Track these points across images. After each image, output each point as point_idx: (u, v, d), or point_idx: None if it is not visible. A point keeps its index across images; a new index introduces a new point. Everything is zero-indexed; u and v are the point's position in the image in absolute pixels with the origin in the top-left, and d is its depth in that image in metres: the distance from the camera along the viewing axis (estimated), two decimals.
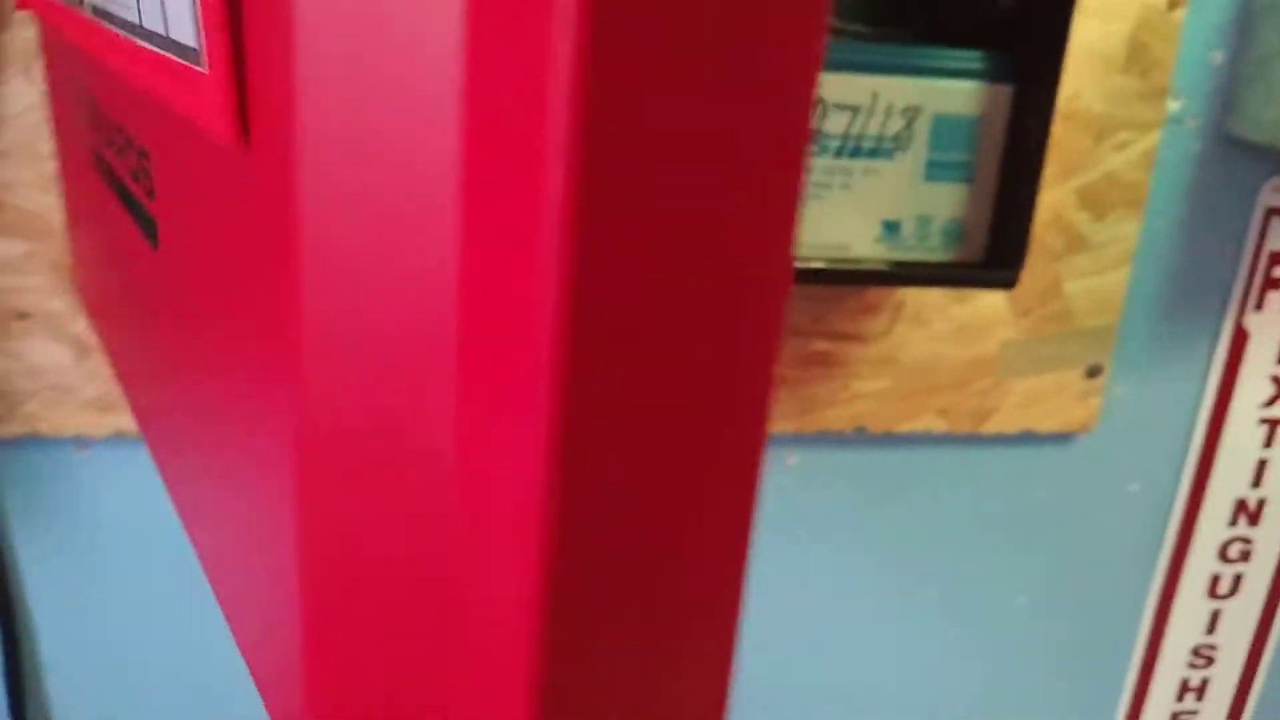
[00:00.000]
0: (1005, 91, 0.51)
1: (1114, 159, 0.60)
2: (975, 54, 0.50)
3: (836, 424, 0.64)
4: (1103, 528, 0.70)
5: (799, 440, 0.65)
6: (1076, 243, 0.62)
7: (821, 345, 0.62)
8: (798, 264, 0.51)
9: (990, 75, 0.51)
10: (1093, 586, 0.72)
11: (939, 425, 0.65)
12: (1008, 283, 0.52)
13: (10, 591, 0.62)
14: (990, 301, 0.62)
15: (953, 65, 0.50)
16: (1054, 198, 0.60)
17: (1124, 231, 0.62)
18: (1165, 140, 0.61)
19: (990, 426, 0.65)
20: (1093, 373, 0.65)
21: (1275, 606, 0.75)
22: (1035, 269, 0.61)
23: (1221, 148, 0.62)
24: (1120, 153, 0.60)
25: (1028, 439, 0.67)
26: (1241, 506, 0.71)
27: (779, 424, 0.63)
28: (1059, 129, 0.59)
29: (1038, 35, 0.51)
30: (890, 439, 0.66)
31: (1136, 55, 0.59)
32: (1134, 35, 0.58)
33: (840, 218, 0.52)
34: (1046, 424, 0.66)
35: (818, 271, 0.51)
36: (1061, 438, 0.67)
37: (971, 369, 0.64)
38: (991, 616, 0.71)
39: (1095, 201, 0.61)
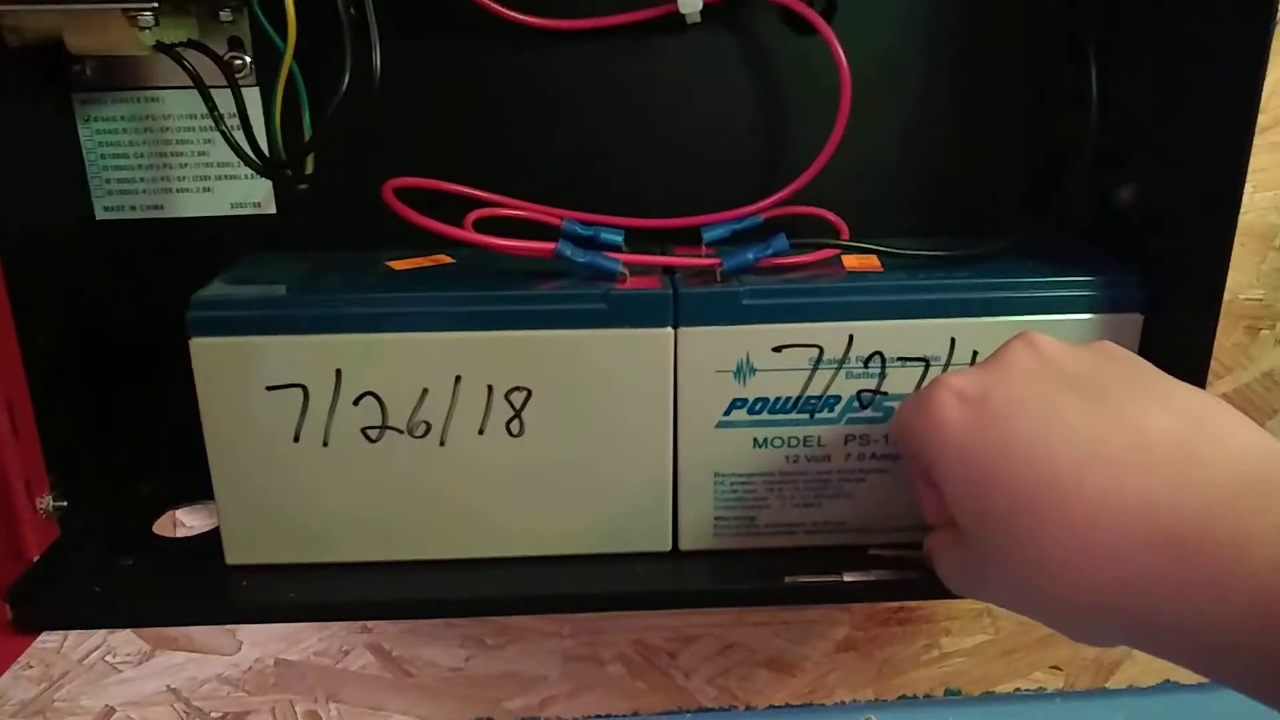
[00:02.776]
0: (1131, 322, 0.38)
1: (1275, 355, 0.46)
2: (1089, 278, 0.38)
3: (923, 687, 0.51)
4: None
5: (877, 706, 0.52)
6: None
7: (904, 600, 0.49)
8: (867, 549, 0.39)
9: (1110, 303, 0.38)
10: None
11: (1053, 683, 0.52)
12: None
13: None
14: None
15: (1058, 295, 0.37)
16: None
17: None
18: None
19: (1120, 680, 0.52)
20: None
21: None
22: None
23: None
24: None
25: (1169, 689, 0.53)
26: None
27: (855, 690, 0.51)
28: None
29: (1179, 240, 0.38)
30: (990, 700, 0.52)
31: None
32: None
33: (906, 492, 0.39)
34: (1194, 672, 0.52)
35: (881, 557, 0.39)
36: (1210, 687, 0.53)
37: None
38: None
39: (1254, 407, 0.47)
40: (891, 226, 0.43)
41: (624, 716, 0.51)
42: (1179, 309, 0.38)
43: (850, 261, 0.40)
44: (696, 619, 0.49)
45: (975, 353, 0.37)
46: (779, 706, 0.51)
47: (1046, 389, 0.29)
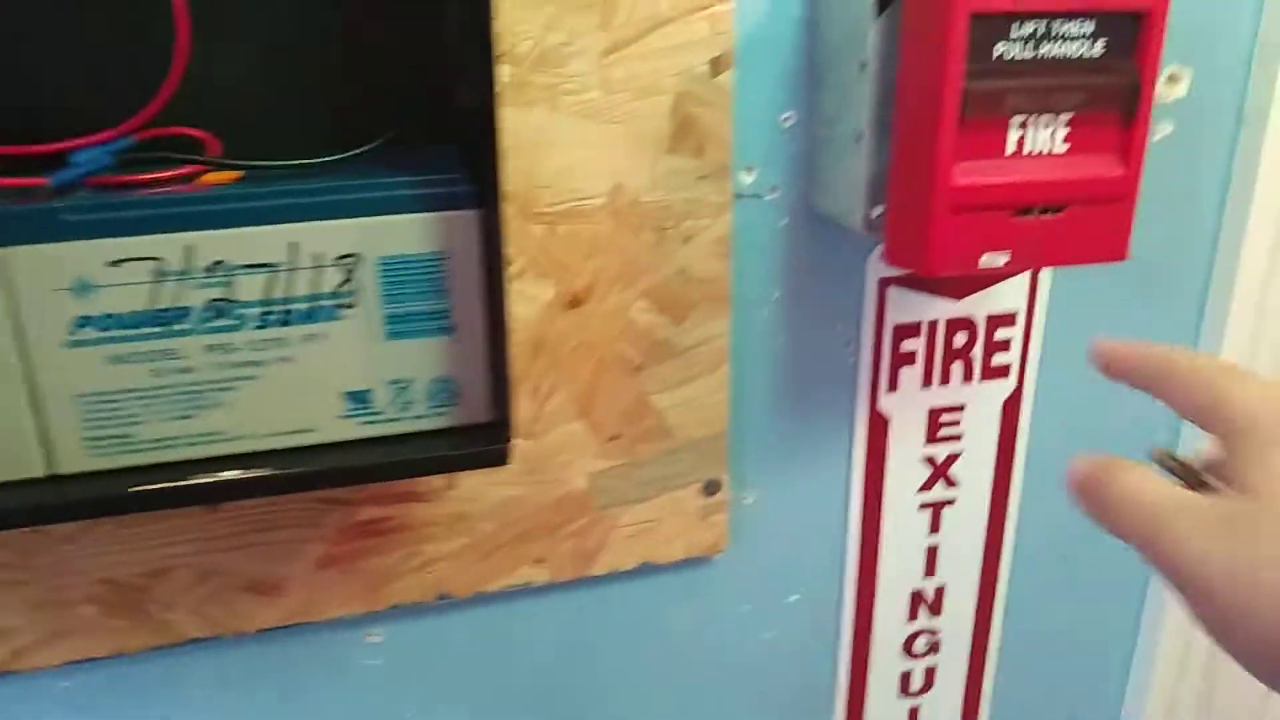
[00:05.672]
0: (465, 220, 0.41)
1: (683, 252, 0.51)
2: (421, 177, 0.40)
3: (415, 595, 0.54)
4: (765, 647, 0.62)
5: (376, 619, 0.55)
6: (658, 351, 0.52)
7: (373, 511, 0.51)
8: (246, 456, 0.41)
9: (441, 201, 0.41)
10: (767, 713, 0.63)
11: (539, 576, 0.55)
12: (498, 459, 0.42)
13: None
14: (563, 431, 0.52)
15: (394, 195, 0.40)
16: (619, 304, 0.51)
17: (712, 330, 0.53)
18: (743, 220, 0.52)
19: (601, 566, 0.56)
20: (710, 489, 0.56)
21: (976, 697, 0.68)
22: (612, 387, 0.52)
23: (815, 218, 0.54)
24: (688, 244, 0.51)
25: (650, 571, 0.58)
26: (918, 598, 0.63)
27: (346, 605, 0.53)
28: (608, 229, 0.49)
29: (487, 139, 0.42)
30: (483, 600, 0.56)
31: (684, 130, 0.49)
32: (676, 108, 0.49)
33: (288, 396, 0.41)
34: (668, 552, 0.57)
35: (265, 479, 0.41)
36: (691, 563, 0.58)
37: (563, 507, 0.54)
38: None
39: (671, 303, 0.52)
40: (281, 141, 0.44)
41: (108, 658, 0.51)
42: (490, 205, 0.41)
43: (217, 178, 0.41)
44: (162, 550, 0.50)
45: (317, 255, 0.39)
46: (273, 629, 0.53)
47: None
